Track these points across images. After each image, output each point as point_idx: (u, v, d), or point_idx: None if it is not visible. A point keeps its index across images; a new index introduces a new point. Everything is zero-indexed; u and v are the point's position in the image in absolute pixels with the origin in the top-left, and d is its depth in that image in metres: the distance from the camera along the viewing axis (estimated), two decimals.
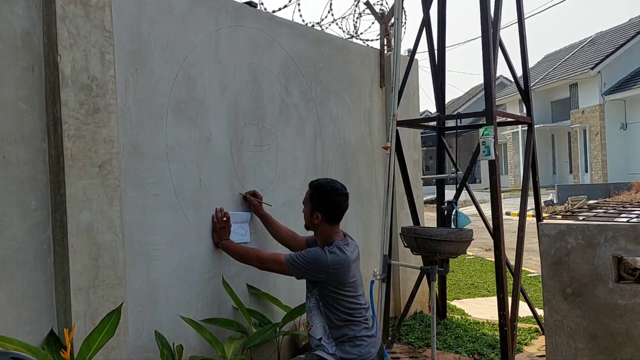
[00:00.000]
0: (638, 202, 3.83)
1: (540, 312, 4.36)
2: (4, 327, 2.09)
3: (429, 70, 4.75)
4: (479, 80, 33.89)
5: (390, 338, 4.17)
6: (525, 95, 4.53)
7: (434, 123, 4.72)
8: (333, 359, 2.61)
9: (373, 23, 5.18)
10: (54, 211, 2.26)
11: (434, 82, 4.76)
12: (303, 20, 4.86)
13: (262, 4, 4.02)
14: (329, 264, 2.64)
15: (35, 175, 2.22)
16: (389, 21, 4.72)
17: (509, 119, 5.43)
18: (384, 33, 4.76)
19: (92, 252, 2.31)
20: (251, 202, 3.26)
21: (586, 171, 22.73)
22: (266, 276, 3.39)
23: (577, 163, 23.42)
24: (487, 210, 4.13)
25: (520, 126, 19.37)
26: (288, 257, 2.74)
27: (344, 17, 5.18)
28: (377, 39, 4.85)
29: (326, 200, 2.81)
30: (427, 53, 4.73)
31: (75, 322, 2.22)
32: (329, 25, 5.17)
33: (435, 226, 4.07)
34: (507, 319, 3.67)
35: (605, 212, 3.09)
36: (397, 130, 4.17)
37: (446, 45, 4.75)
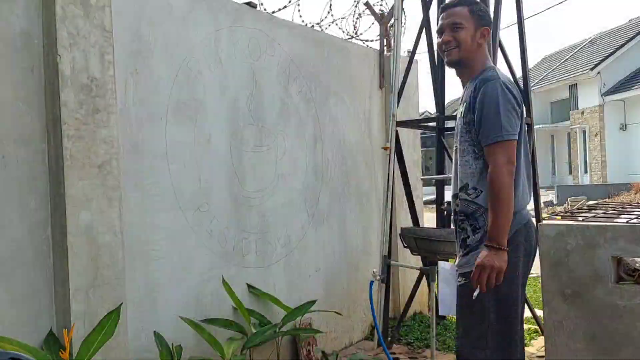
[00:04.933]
0: (637, 203, 3.83)
1: (539, 312, 4.36)
2: (3, 328, 2.09)
3: (429, 70, 4.75)
4: None
5: (389, 338, 4.17)
6: (525, 95, 4.53)
7: (433, 123, 4.72)
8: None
9: (373, 23, 5.16)
10: (54, 211, 2.26)
11: (433, 83, 4.76)
12: (303, 21, 4.86)
13: (262, 4, 4.02)
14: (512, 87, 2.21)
15: (34, 176, 2.22)
16: (388, 22, 4.72)
17: None
18: (384, 33, 4.76)
19: (91, 253, 2.31)
20: None
21: (585, 172, 22.74)
22: (266, 276, 3.39)
23: (577, 164, 23.44)
24: None
25: None
26: (501, 139, 2.07)
27: (343, 18, 5.18)
28: (376, 40, 4.85)
29: (488, 15, 2.30)
30: (427, 53, 4.73)
31: (74, 323, 2.22)
32: (329, 25, 5.17)
33: (435, 227, 4.08)
34: None
35: (604, 213, 3.09)
36: (396, 131, 4.17)
37: None
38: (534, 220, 2.35)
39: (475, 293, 2.08)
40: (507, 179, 2.06)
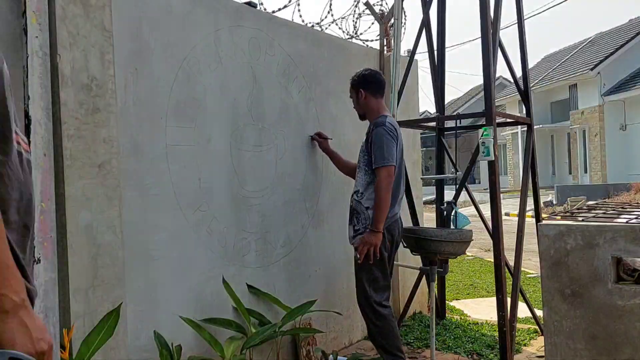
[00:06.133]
0: (637, 203, 3.83)
1: (539, 312, 4.36)
2: None
3: (429, 70, 4.75)
4: (479, 80, 33.95)
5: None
6: (525, 96, 4.53)
7: (433, 123, 4.73)
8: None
9: (373, 23, 5.17)
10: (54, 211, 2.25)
11: (433, 83, 4.77)
12: (303, 21, 4.86)
13: (262, 4, 4.03)
14: (393, 128, 3.24)
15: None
16: (388, 21, 4.72)
17: (508, 120, 5.43)
18: (384, 33, 4.76)
19: (91, 252, 2.31)
20: (317, 141, 3.76)
21: (585, 172, 22.74)
22: (266, 276, 3.39)
23: (577, 164, 23.44)
24: (487, 211, 4.14)
25: (519, 127, 19.39)
26: (384, 164, 3.14)
27: (343, 18, 5.18)
28: (376, 40, 4.85)
29: (364, 78, 3.39)
30: (427, 53, 4.73)
31: (74, 322, 2.22)
32: (329, 25, 5.17)
33: (435, 227, 4.07)
34: (506, 320, 3.67)
35: (604, 213, 3.10)
36: None
37: (446, 46, 4.75)
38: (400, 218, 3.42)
39: (358, 256, 3.18)
40: (386, 188, 3.12)
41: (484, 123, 3.81)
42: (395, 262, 4.30)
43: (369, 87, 3.38)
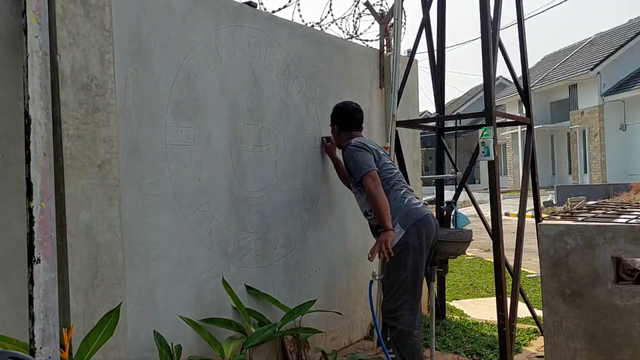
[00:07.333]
0: (637, 203, 3.83)
1: (539, 312, 4.36)
2: (2, 327, 2.09)
3: (429, 70, 4.75)
4: (479, 81, 33.96)
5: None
6: (525, 96, 4.53)
7: (433, 123, 4.72)
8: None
9: (373, 23, 5.17)
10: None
11: (433, 83, 4.77)
12: (303, 21, 4.86)
13: (262, 4, 4.03)
14: (360, 142, 3.32)
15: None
16: (388, 21, 4.72)
17: (508, 120, 5.43)
18: (384, 33, 4.76)
19: (91, 252, 2.31)
20: (325, 146, 3.84)
21: (585, 172, 22.75)
22: (266, 276, 3.39)
23: (576, 164, 23.44)
24: (487, 211, 4.14)
25: (519, 127, 19.39)
26: (363, 173, 3.19)
27: (343, 18, 5.19)
28: (376, 40, 4.85)
29: (335, 113, 3.62)
30: (427, 53, 4.73)
31: (74, 322, 2.22)
32: (329, 25, 5.17)
33: None
34: (506, 320, 3.67)
35: (604, 213, 3.09)
36: (396, 131, 4.17)
37: (446, 46, 4.75)
38: (428, 215, 3.26)
39: (372, 256, 3.15)
40: (375, 190, 3.17)
41: (484, 123, 3.81)
42: None
43: (339, 122, 3.59)
